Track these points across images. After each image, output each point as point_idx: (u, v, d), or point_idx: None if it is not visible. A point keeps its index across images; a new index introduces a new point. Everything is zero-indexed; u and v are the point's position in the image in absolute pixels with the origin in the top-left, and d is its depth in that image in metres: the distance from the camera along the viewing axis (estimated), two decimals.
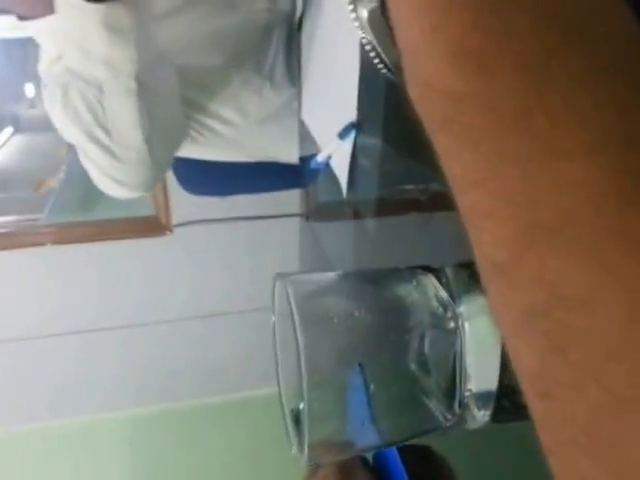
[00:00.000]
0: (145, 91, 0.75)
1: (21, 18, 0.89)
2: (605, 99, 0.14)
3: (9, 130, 2.50)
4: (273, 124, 1.01)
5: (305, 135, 0.66)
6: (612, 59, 0.14)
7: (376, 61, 0.20)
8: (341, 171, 0.52)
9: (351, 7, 0.19)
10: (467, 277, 0.35)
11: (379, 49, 0.19)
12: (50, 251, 1.92)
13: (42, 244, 1.90)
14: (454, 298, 0.35)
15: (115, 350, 2.08)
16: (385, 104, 0.41)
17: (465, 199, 0.16)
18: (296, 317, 0.35)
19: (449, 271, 0.36)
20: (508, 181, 0.15)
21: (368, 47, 0.19)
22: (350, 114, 0.47)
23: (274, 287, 0.40)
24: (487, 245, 0.16)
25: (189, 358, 2.12)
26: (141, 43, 0.71)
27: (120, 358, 2.09)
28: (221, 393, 2.17)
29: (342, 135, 0.52)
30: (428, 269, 0.36)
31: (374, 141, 0.45)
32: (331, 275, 0.39)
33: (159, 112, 0.79)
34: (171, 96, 0.85)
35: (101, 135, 0.77)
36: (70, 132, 0.81)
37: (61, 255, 1.94)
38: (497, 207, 0.15)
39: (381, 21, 0.18)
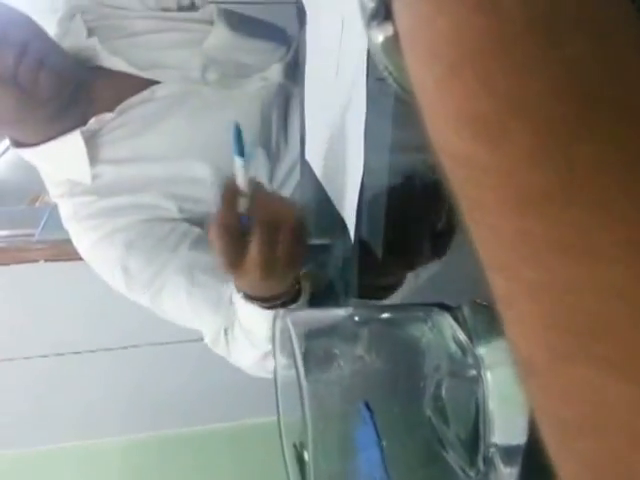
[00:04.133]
0: None
1: (17, 145, 0.87)
2: None
3: (5, 143, 2.46)
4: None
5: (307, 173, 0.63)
6: None
7: (390, 82, 0.18)
8: (349, 216, 0.48)
9: (366, 28, 0.16)
10: (487, 317, 0.32)
11: (395, 75, 0.17)
12: (43, 268, 1.87)
13: (35, 261, 1.86)
14: (473, 340, 0.32)
15: (105, 372, 2.02)
16: (391, 147, 0.38)
17: (487, 275, 0.14)
18: (298, 360, 0.31)
19: (467, 310, 0.32)
20: (526, 272, 0.12)
21: (385, 73, 0.17)
22: (357, 160, 0.43)
23: (274, 324, 0.37)
24: (515, 338, 0.14)
25: (180, 383, 2.05)
26: None
27: (111, 380, 2.04)
28: (210, 421, 2.10)
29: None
30: (444, 307, 0.33)
31: (381, 182, 0.42)
32: (337, 312, 0.35)
33: None
34: None
35: None
36: None
37: (54, 273, 1.89)
38: (516, 299, 0.13)
39: (396, 49, 0.15)
